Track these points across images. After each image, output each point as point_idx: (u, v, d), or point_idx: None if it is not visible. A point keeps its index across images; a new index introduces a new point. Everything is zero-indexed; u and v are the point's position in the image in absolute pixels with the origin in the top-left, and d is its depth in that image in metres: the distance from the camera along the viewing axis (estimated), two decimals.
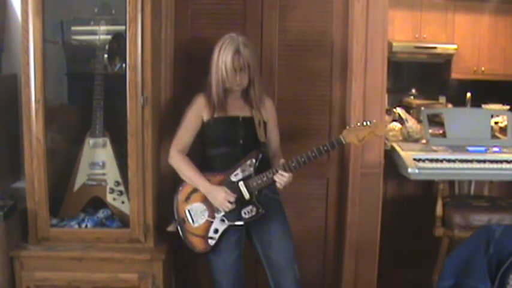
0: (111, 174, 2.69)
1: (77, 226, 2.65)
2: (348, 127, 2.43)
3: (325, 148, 2.37)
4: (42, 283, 2.57)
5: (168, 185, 2.84)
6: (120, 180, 2.69)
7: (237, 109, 2.50)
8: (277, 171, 2.37)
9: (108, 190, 2.70)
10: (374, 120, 2.41)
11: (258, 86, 2.50)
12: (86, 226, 2.65)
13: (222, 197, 2.38)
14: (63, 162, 2.77)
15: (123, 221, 2.66)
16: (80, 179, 2.69)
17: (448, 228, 2.99)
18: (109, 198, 2.70)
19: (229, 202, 2.39)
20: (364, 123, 2.40)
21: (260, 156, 2.44)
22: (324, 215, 3.11)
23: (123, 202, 2.69)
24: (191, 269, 3.06)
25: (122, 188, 2.68)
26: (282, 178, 2.37)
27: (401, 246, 3.25)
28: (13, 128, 2.73)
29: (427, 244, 3.09)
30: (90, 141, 2.68)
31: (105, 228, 2.65)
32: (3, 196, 2.62)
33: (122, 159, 2.62)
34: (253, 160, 2.42)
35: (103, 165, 2.69)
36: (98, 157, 2.69)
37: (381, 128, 2.44)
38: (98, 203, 2.71)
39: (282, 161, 2.39)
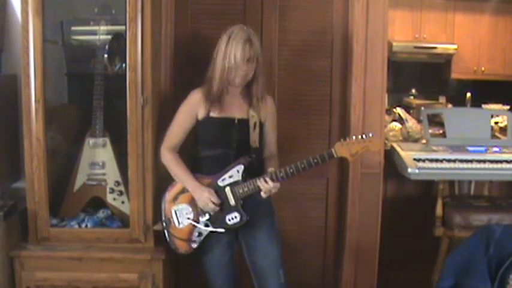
0: (111, 174, 2.69)
1: (77, 226, 2.65)
2: (341, 140, 2.35)
3: (315, 161, 2.31)
4: (42, 283, 2.57)
5: (168, 185, 2.84)
6: (120, 180, 2.69)
7: (234, 109, 2.44)
8: (264, 180, 2.33)
9: (108, 190, 2.70)
10: (370, 135, 2.33)
11: (261, 82, 2.43)
12: (86, 226, 2.65)
13: (205, 197, 2.36)
14: (63, 162, 2.77)
15: (123, 221, 2.66)
16: (80, 179, 2.69)
17: (448, 228, 2.99)
18: (109, 198, 2.70)
19: (213, 203, 2.36)
20: (360, 137, 2.33)
21: (249, 162, 2.39)
22: (324, 215, 3.11)
23: (123, 202, 2.69)
24: (191, 269, 3.06)
25: (122, 188, 2.68)
26: (266, 186, 2.31)
27: (401, 246, 3.25)
28: (13, 128, 2.73)
29: (427, 244, 3.09)
30: (90, 141, 2.67)
31: (105, 228, 2.65)
32: (3, 196, 2.62)
33: (122, 159, 2.62)
34: (242, 166, 2.37)
35: (103, 165, 2.69)
36: (98, 157, 2.69)
37: (376, 143, 2.35)
38: (98, 203, 2.71)
39: (270, 169, 2.35)
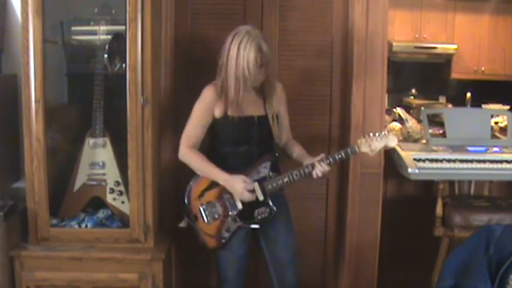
0: (111, 174, 2.69)
1: (77, 226, 2.65)
2: (361, 137, 2.44)
3: (340, 156, 2.40)
4: (42, 283, 2.57)
5: (168, 184, 2.84)
6: (120, 180, 2.69)
7: (250, 106, 2.44)
8: (293, 176, 2.39)
9: (108, 190, 2.70)
10: (384, 132, 2.43)
11: (271, 74, 2.46)
12: (86, 226, 2.65)
13: (241, 187, 2.36)
14: (63, 162, 2.77)
15: (123, 221, 2.66)
16: (80, 179, 2.69)
17: (448, 228, 2.99)
18: (109, 198, 2.70)
19: (249, 191, 2.37)
20: (377, 134, 2.41)
21: (275, 158, 2.46)
22: (324, 215, 3.11)
23: (123, 202, 2.69)
24: (191, 269, 3.06)
25: (122, 188, 2.68)
26: (326, 168, 2.39)
27: (401, 246, 3.25)
28: (13, 128, 2.73)
29: (427, 244, 3.09)
30: (90, 141, 2.67)
31: (105, 228, 2.66)
32: (3, 196, 2.62)
33: (122, 159, 2.62)
34: (269, 162, 2.43)
35: (103, 165, 2.69)
36: (98, 157, 2.69)
37: (392, 140, 2.44)
38: (98, 203, 2.71)
39: (321, 155, 2.41)
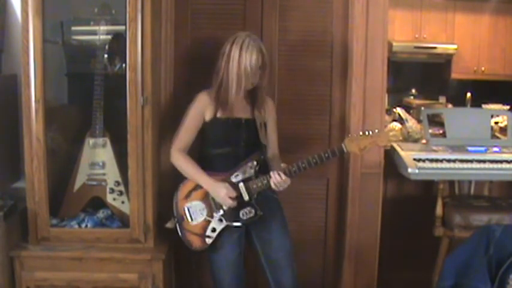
0: (111, 174, 2.69)
1: (77, 226, 2.65)
2: (349, 135, 2.44)
3: (326, 155, 2.39)
4: (42, 283, 2.57)
5: (168, 184, 2.84)
6: (120, 180, 2.69)
7: (240, 110, 2.50)
8: (277, 173, 2.38)
9: (108, 190, 2.70)
10: (376, 131, 2.42)
11: (265, 84, 2.52)
12: (86, 226, 2.65)
13: (224, 193, 2.40)
14: (63, 162, 2.77)
15: (123, 221, 2.66)
16: (80, 179, 2.69)
17: (448, 228, 2.99)
18: (109, 198, 2.70)
19: (231, 198, 2.39)
20: (367, 133, 2.41)
21: (261, 158, 2.46)
22: (324, 215, 3.11)
23: (123, 202, 2.69)
24: (191, 269, 3.06)
25: (122, 188, 2.68)
26: (278, 179, 2.37)
27: (401, 246, 3.25)
28: (13, 128, 2.73)
29: (427, 244, 3.09)
30: (90, 141, 2.67)
31: (105, 228, 2.66)
32: (3, 196, 2.62)
33: (122, 159, 2.62)
34: (255, 162, 2.44)
35: (103, 165, 2.69)
36: (98, 157, 2.69)
37: (383, 138, 2.44)
38: (98, 203, 2.71)
39: (283, 165, 2.42)
